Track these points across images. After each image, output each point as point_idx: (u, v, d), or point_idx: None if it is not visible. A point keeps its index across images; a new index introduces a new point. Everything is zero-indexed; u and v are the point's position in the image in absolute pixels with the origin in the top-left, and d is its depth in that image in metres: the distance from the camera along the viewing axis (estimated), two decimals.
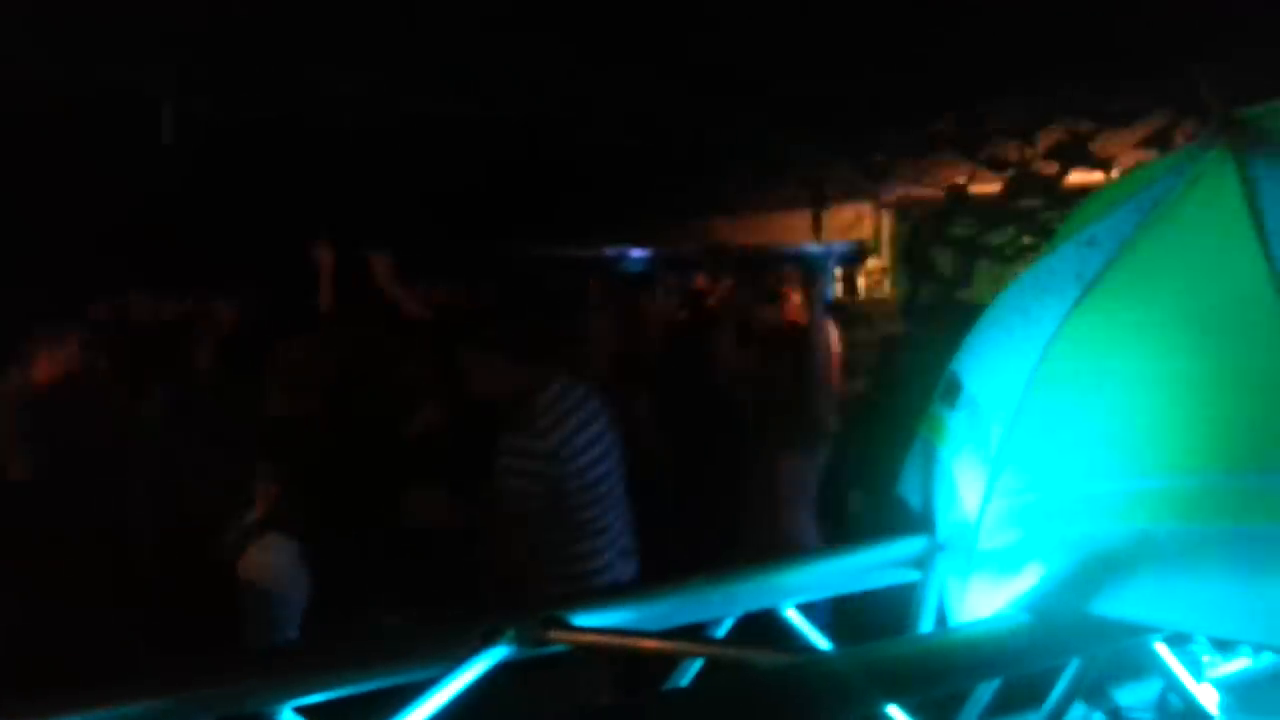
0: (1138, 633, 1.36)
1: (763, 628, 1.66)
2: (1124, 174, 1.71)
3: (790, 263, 7.62)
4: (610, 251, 10.12)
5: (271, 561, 2.94)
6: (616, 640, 1.43)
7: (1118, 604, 1.30)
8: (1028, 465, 1.46)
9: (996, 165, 4.76)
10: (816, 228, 7.65)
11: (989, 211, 4.77)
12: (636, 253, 11.09)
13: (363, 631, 2.07)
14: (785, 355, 4.20)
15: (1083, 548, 1.34)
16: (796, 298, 7.03)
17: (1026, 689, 1.55)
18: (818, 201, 7.57)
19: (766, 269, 7.58)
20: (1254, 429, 1.23)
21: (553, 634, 1.37)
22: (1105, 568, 1.32)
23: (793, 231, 8.75)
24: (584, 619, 1.41)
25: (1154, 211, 1.48)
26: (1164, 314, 1.38)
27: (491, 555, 2.99)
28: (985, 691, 1.69)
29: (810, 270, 7.53)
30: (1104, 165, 4.20)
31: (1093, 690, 1.83)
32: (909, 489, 1.82)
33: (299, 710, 1.27)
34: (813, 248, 10.55)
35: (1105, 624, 1.34)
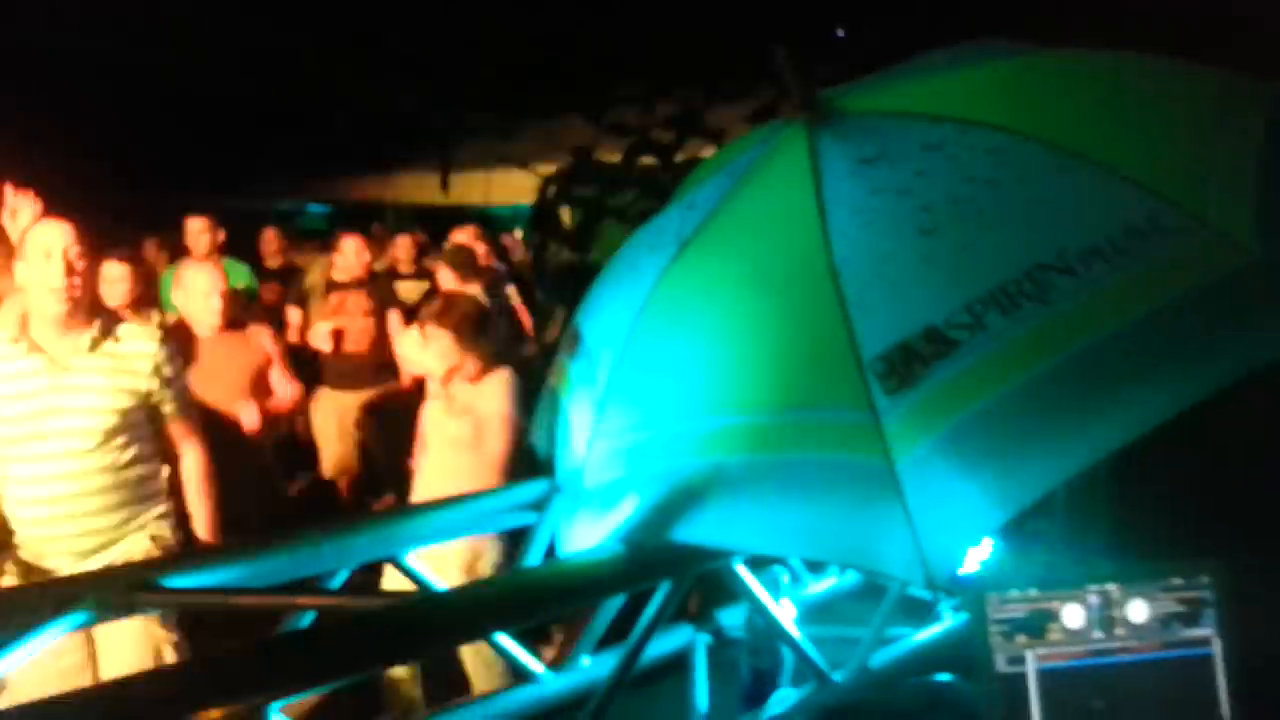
0: (715, 556, 1.51)
1: None
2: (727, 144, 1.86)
3: (471, 223, 7.65)
4: (285, 205, 9.64)
5: None
6: (213, 599, 1.39)
7: (697, 531, 1.44)
8: (627, 408, 1.57)
9: (619, 131, 5.06)
10: (444, 185, 7.85)
11: (613, 174, 5.06)
12: (314, 207, 10.63)
13: None
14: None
15: (669, 481, 1.47)
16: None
17: None
18: (445, 164, 7.76)
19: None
20: (804, 372, 1.40)
21: (141, 597, 1.31)
22: (687, 498, 1.45)
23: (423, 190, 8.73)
24: (179, 580, 1.36)
25: (740, 179, 1.63)
26: (737, 271, 1.52)
27: None
28: (602, 620, 1.81)
29: (491, 230, 7.62)
30: (715, 136, 4.59)
31: (699, 614, 2.01)
32: (538, 435, 1.89)
33: None
34: (499, 208, 10.58)
35: (688, 550, 1.47)
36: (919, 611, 2.17)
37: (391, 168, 8.75)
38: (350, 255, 5.80)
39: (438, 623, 1.34)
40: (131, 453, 2.64)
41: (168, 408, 2.77)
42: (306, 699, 1.49)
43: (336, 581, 1.54)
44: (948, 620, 2.09)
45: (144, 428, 2.71)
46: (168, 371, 2.75)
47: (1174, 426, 1.41)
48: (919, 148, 1.48)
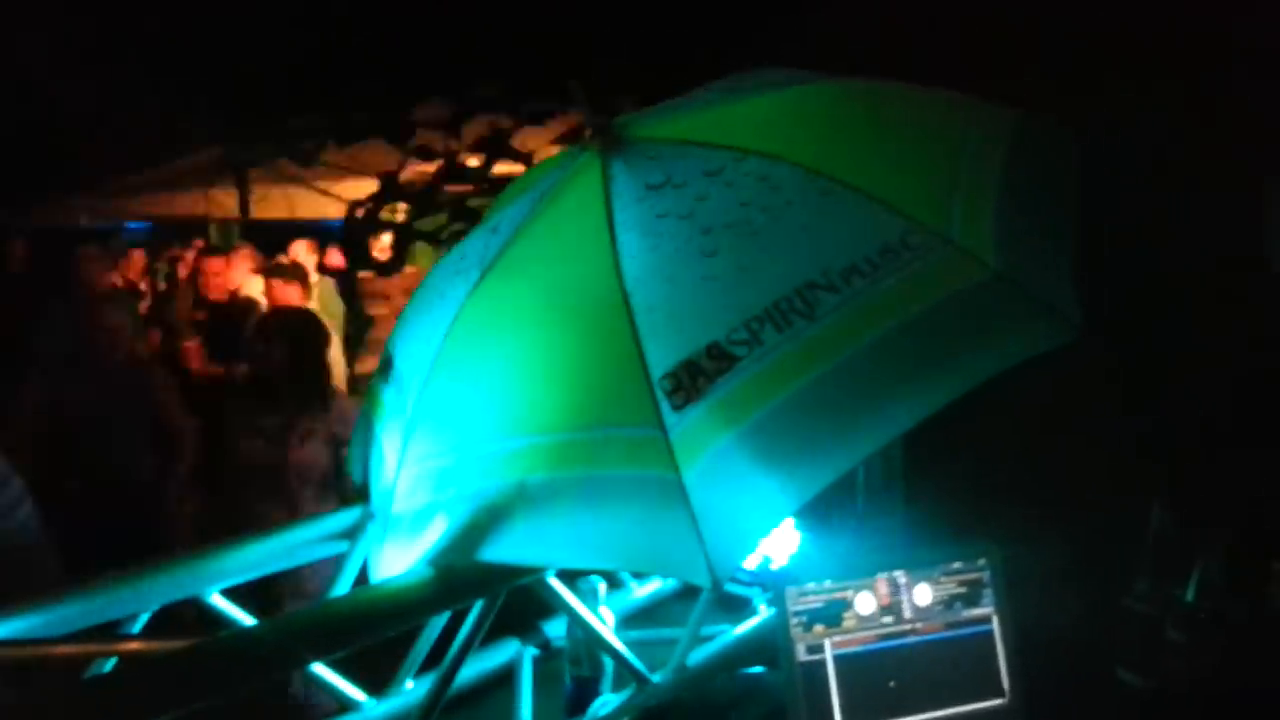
0: (526, 573, 1.56)
1: None
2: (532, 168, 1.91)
3: (304, 236, 7.48)
4: (103, 225, 9.15)
5: None
6: (7, 653, 1.34)
7: (503, 549, 1.48)
8: (433, 434, 1.60)
9: (425, 155, 5.10)
10: (243, 205, 7.78)
11: (421, 197, 5.11)
12: (134, 224, 10.11)
13: None
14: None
15: (475, 503, 1.50)
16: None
17: None
18: (240, 180, 7.70)
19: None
20: (599, 391, 1.46)
21: None
22: (493, 518, 1.48)
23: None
24: None
25: (539, 203, 1.68)
26: (536, 295, 1.58)
27: None
28: (424, 643, 1.83)
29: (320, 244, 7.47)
30: (524, 158, 4.69)
31: (526, 627, 2.06)
32: (354, 463, 1.89)
33: None
34: (333, 222, 10.36)
35: (499, 568, 1.51)
36: (737, 608, 2.28)
37: (192, 185, 8.51)
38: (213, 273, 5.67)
39: (246, 659, 1.34)
40: None
41: None
42: None
43: (137, 625, 1.51)
44: (762, 614, 2.21)
45: None
46: None
47: (955, 424, 1.54)
48: (700, 174, 1.57)
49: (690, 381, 1.38)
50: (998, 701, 1.82)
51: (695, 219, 1.52)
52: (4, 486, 1.88)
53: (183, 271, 7.24)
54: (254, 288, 6.25)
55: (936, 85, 1.74)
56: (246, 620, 1.59)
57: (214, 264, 5.82)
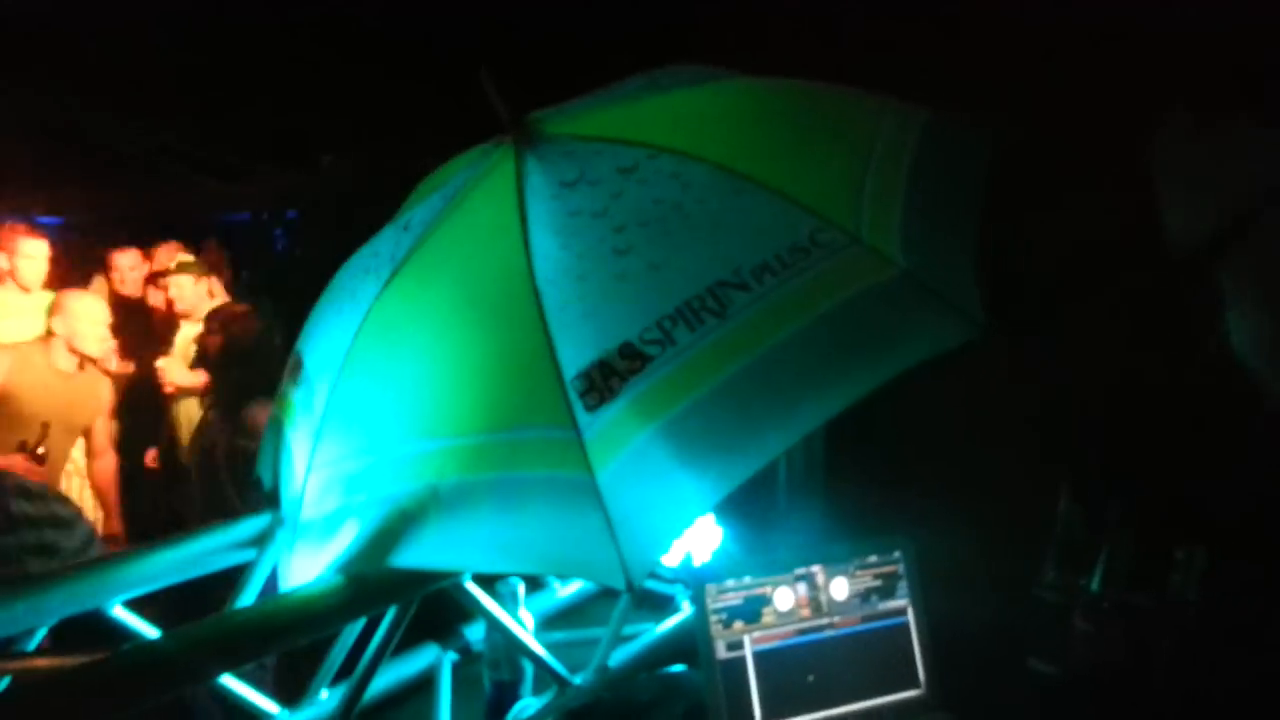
0: (439, 578, 1.54)
1: None
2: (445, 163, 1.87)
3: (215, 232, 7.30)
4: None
5: None
6: None
7: (416, 554, 1.44)
8: (343, 437, 1.56)
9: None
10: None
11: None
12: (47, 220, 9.73)
13: None
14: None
15: (386, 508, 1.47)
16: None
17: None
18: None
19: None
20: (512, 393, 1.44)
21: None
22: (404, 523, 1.45)
23: None
24: None
25: (452, 200, 1.65)
26: (448, 294, 1.55)
27: None
28: (339, 651, 1.80)
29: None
30: None
31: (446, 632, 2.03)
32: (264, 468, 1.84)
33: None
34: (246, 215, 10.07)
35: (411, 574, 1.49)
36: (661, 605, 2.29)
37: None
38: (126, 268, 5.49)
39: (150, 674, 1.29)
40: None
41: None
42: None
43: (34, 641, 1.45)
44: (684, 611, 2.21)
45: None
46: None
47: (872, 419, 1.55)
48: (614, 171, 1.56)
49: (603, 382, 1.37)
50: (914, 692, 1.85)
51: (608, 217, 1.51)
52: (71, 530, 1.86)
53: (103, 272, 7.01)
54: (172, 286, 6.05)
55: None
56: (150, 633, 1.53)
57: (126, 257, 5.61)
